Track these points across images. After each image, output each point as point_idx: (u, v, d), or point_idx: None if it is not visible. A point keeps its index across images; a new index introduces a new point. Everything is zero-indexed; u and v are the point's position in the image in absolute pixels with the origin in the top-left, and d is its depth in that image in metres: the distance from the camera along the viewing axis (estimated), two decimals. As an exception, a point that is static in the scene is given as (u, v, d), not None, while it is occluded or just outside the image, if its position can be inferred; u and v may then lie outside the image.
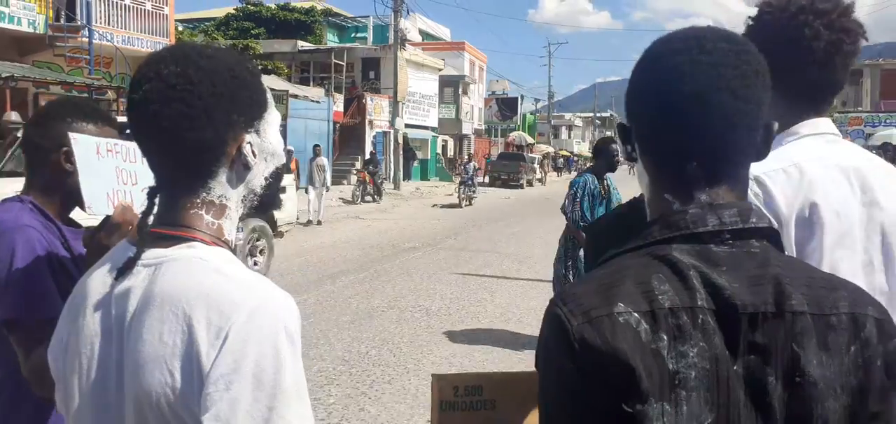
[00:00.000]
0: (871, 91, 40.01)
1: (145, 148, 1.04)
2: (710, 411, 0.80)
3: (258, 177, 1.09)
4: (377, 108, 29.72)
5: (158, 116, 0.98)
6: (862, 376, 0.84)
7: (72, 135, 1.50)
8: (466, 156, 33.66)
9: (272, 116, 1.11)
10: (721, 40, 0.91)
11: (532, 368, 1.38)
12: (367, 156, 25.64)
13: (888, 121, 28.81)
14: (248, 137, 1.05)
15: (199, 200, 1.03)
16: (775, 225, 1.31)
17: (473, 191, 23.64)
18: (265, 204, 1.11)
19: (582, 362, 0.81)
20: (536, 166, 40.00)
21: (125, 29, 17.96)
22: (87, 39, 16.35)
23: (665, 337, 0.81)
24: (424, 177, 34.69)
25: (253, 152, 1.05)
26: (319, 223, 16.13)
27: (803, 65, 1.45)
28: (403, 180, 27.77)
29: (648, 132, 0.95)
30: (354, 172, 25.58)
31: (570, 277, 6.11)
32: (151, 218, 1.05)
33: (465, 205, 22.50)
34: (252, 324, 0.92)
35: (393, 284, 8.85)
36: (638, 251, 0.89)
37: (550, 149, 57.50)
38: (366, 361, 5.84)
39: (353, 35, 39.66)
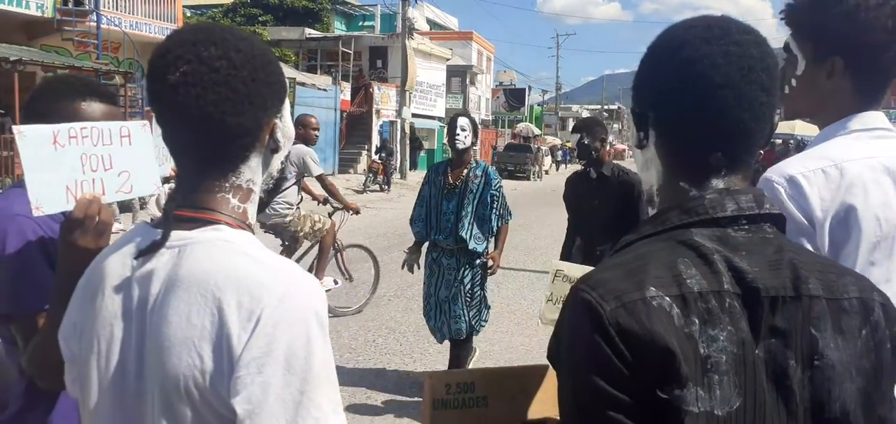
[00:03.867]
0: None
1: (177, 130, 1.01)
2: (738, 395, 0.81)
3: (277, 161, 1.10)
4: (384, 98, 29.64)
5: (201, 100, 0.96)
6: (874, 358, 0.88)
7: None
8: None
9: (287, 101, 1.12)
10: (743, 32, 0.93)
11: (537, 361, 1.37)
12: (379, 144, 25.41)
13: (894, 116, 28.51)
14: (277, 121, 1.07)
15: (227, 184, 1.03)
16: (807, 222, 1.32)
17: None
18: (276, 186, 1.12)
19: (618, 347, 0.80)
20: (545, 158, 39.79)
21: (133, 14, 17.95)
22: (94, 24, 16.32)
23: (696, 321, 0.81)
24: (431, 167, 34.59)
25: (281, 136, 1.07)
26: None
27: (882, 55, 1.40)
28: (410, 170, 27.70)
29: (673, 121, 0.95)
30: (362, 160, 25.58)
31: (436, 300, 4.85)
32: (174, 200, 1.03)
33: None
34: (283, 308, 0.91)
35: (400, 273, 8.69)
36: (657, 236, 0.90)
37: (557, 141, 57.37)
38: (372, 349, 5.83)
39: (360, 23, 39.54)
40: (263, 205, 5.68)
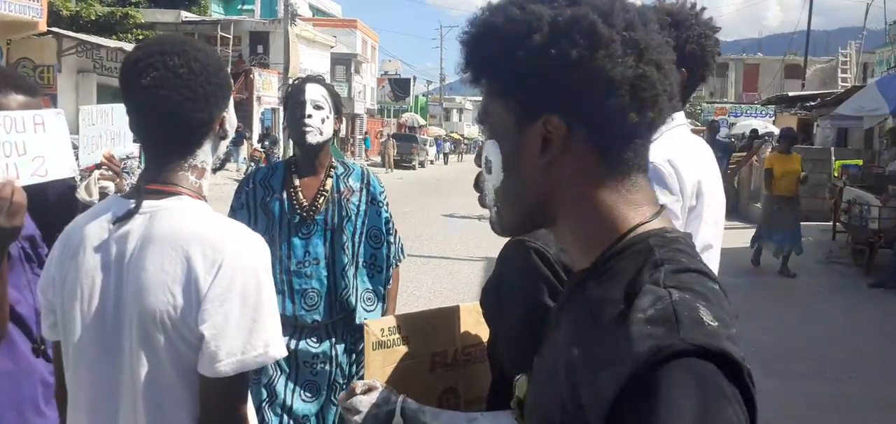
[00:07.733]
0: (735, 83, 43.29)
1: (146, 123, 1.29)
2: None
3: (224, 146, 1.41)
4: (266, 84, 28.89)
5: (168, 100, 1.23)
6: None
7: None
8: None
9: (231, 97, 1.41)
10: None
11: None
12: (262, 132, 24.78)
13: (749, 111, 31.23)
14: (225, 114, 1.35)
15: (186, 164, 1.31)
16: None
17: None
18: (222, 165, 1.37)
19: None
20: (430, 147, 40.24)
21: (-13, -11, 16.48)
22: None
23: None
24: (315, 156, 33.96)
25: (228, 126, 1.37)
26: None
27: (701, 71, 1.85)
28: (294, 159, 27.12)
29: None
30: (244, 149, 24.89)
31: None
32: (144, 177, 1.30)
33: None
34: (239, 257, 1.22)
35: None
36: None
37: (442, 132, 58.08)
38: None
39: (238, 7, 38.21)
40: None
